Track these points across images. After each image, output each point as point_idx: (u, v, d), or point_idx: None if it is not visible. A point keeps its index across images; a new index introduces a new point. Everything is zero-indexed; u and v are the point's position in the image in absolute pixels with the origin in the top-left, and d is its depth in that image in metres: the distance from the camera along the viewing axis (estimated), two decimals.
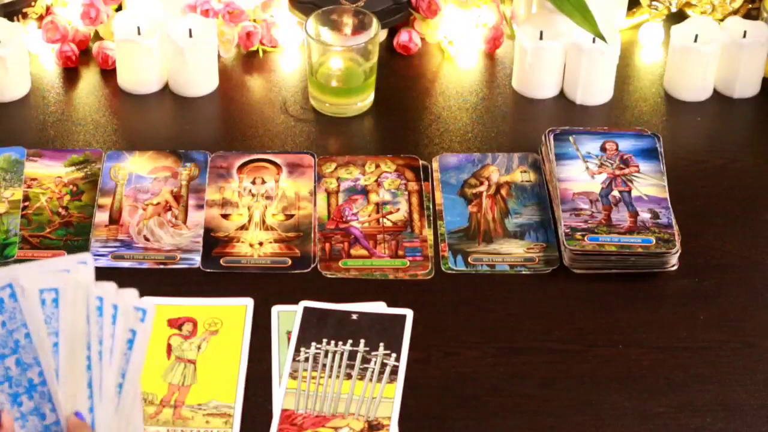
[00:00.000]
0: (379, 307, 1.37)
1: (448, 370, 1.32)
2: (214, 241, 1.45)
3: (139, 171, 1.53)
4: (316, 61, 1.61)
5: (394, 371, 1.30)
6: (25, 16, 1.70)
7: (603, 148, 1.52)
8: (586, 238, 1.42)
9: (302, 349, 1.32)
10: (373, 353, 1.32)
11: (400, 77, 1.70)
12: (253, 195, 1.51)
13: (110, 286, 0.97)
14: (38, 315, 0.95)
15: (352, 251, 1.45)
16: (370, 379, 1.30)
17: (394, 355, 1.32)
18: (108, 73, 1.69)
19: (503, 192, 1.52)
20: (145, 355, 0.98)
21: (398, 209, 1.50)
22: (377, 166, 1.55)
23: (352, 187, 1.52)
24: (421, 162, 1.55)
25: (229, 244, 1.45)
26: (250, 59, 1.72)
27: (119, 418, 0.96)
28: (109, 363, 0.95)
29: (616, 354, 1.34)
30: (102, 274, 1.39)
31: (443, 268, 1.43)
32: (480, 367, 1.33)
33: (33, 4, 1.71)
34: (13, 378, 0.95)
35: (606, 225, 1.43)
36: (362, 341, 1.33)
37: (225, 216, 1.48)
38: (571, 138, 1.52)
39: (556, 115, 1.64)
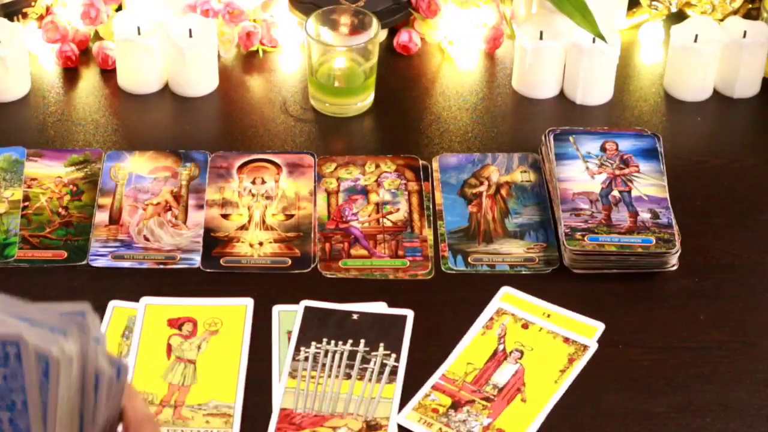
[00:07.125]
0: (379, 307, 1.37)
1: None
2: (214, 241, 1.45)
3: (139, 171, 1.53)
4: (316, 61, 1.61)
5: (394, 371, 1.30)
6: (25, 16, 1.70)
7: (603, 148, 1.52)
8: (586, 238, 1.42)
9: (302, 348, 1.32)
10: (373, 353, 1.32)
11: (400, 77, 1.70)
12: (253, 195, 1.51)
13: (103, 359, 0.88)
14: (35, 384, 0.87)
15: (352, 251, 1.44)
16: (369, 379, 1.30)
17: (393, 355, 1.32)
18: (108, 73, 1.69)
19: (503, 192, 1.52)
20: None
21: (398, 209, 1.49)
22: (377, 166, 1.55)
23: (352, 187, 1.52)
24: (421, 162, 1.55)
25: (229, 244, 1.45)
26: (250, 59, 1.72)
27: None
28: None
29: (616, 354, 1.34)
30: (102, 274, 1.41)
31: (443, 268, 1.43)
32: None
33: (33, 4, 1.71)
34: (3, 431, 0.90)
35: (606, 225, 1.43)
36: (362, 341, 1.33)
37: (225, 216, 1.48)
38: (571, 138, 1.52)
39: (556, 115, 1.64)
